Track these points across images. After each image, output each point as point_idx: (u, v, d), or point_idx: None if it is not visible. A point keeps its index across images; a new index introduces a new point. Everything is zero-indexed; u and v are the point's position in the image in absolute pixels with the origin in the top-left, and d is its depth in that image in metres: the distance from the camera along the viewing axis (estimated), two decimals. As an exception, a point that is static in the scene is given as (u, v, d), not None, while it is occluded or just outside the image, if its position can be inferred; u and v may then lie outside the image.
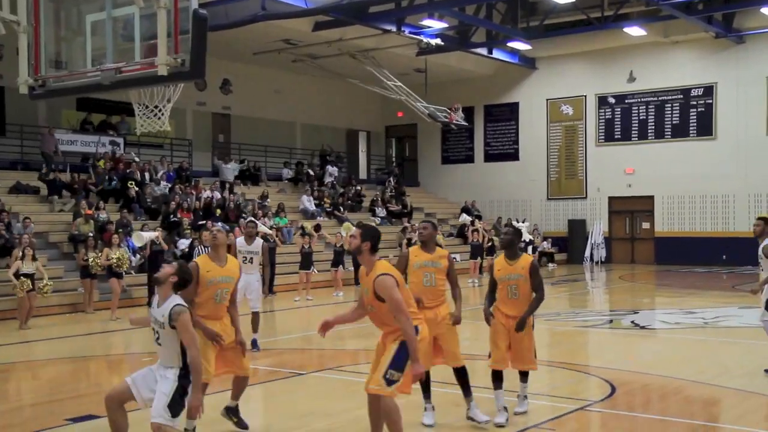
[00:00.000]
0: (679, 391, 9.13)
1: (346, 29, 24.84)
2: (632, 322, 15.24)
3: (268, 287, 18.61)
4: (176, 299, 5.89)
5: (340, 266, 20.86)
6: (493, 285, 7.78)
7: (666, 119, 29.52)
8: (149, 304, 6.77)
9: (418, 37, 25.85)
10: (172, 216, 21.30)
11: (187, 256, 17.52)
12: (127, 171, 22.98)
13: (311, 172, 29.69)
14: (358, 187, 30.59)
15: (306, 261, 19.54)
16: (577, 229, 31.13)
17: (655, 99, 29.70)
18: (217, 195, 24.23)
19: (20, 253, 15.10)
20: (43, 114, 23.82)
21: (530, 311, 7.54)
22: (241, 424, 7.34)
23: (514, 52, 30.55)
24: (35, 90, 7.19)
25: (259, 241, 12.07)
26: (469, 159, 33.96)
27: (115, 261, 16.34)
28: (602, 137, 30.86)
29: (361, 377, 6.27)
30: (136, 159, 24.17)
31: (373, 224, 19.81)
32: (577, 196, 31.47)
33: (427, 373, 7.23)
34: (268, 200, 25.44)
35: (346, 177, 31.50)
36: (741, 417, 8.05)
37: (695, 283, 23.47)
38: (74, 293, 17.48)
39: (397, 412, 6.02)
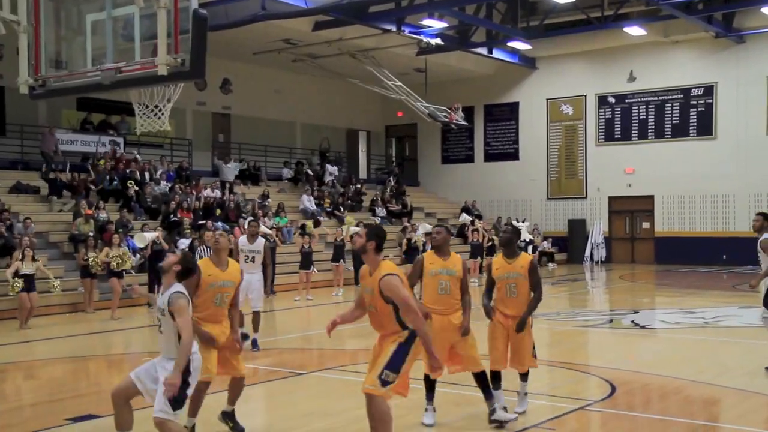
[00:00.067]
0: (679, 391, 9.13)
1: (346, 29, 24.82)
2: (632, 321, 15.24)
3: (269, 287, 18.61)
4: (177, 287, 5.99)
5: (341, 260, 20.86)
6: (490, 284, 7.76)
7: (666, 119, 29.50)
8: (149, 305, 6.80)
9: (418, 36, 25.83)
10: (172, 216, 21.30)
11: (188, 255, 17.49)
12: (128, 171, 22.98)
13: (311, 172, 29.70)
14: (358, 186, 30.60)
15: (306, 261, 19.53)
16: (577, 228, 31.12)
17: (655, 99, 29.68)
18: (218, 194, 24.23)
19: (20, 254, 15.17)
20: (43, 114, 23.81)
21: (529, 311, 7.55)
22: (236, 428, 7.28)
23: (514, 51, 30.54)
24: (35, 90, 7.19)
25: (261, 240, 12.09)
26: (469, 159, 33.94)
27: (115, 260, 16.35)
28: (602, 137, 30.85)
29: (361, 377, 6.26)
30: (138, 156, 24.17)
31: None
32: (577, 195, 31.46)
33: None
34: (269, 200, 25.44)
35: (346, 176, 31.51)
36: (741, 417, 8.05)
37: (695, 282, 23.46)
38: (74, 293, 17.48)
39: (388, 414, 5.94)
